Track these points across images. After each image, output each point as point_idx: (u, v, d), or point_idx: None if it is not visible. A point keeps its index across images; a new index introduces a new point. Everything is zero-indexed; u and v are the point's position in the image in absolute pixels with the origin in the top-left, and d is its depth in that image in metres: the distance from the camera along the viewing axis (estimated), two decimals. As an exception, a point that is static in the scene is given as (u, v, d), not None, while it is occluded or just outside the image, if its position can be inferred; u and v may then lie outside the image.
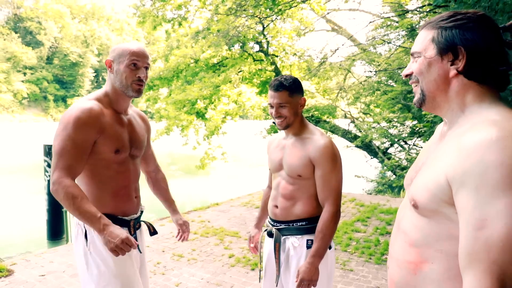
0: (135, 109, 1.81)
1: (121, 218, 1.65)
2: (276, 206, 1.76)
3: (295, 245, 1.71)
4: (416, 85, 0.95)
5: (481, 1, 3.68)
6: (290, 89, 1.66)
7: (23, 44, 68.47)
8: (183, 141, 10.36)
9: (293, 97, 1.67)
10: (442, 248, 0.83)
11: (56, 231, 5.73)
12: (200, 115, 10.50)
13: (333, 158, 1.64)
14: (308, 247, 1.68)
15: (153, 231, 1.90)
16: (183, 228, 2.02)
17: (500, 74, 0.85)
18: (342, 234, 4.62)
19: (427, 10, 6.29)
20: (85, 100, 1.57)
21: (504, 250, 0.67)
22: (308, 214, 1.70)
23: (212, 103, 10.53)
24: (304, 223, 1.70)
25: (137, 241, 1.70)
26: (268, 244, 1.84)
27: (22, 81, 63.44)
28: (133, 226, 1.70)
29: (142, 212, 1.81)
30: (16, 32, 69.74)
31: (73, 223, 1.65)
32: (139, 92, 1.61)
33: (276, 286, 1.76)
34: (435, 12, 5.79)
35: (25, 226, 7.33)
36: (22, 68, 65.17)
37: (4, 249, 5.61)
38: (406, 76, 0.97)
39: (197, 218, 5.52)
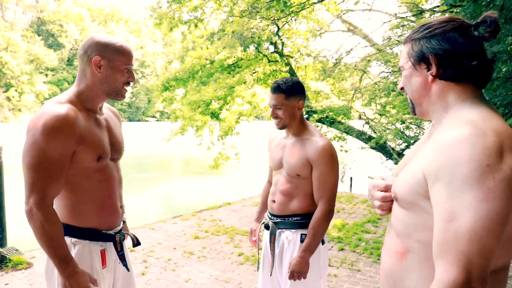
0: (106, 105, 1.61)
1: (105, 233, 1.49)
2: (274, 201, 1.87)
3: (289, 238, 1.80)
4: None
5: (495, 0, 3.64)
6: (287, 92, 1.73)
7: (46, 46, 70.58)
8: (197, 141, 10.49)
9: (289, 100, 1.74)
10: (419, 239, 0.88)
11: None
12: (215, 115, 10.61)
13: (331, 160, 1.72)
14: (302, 241, 1.77)
15: (136, 242, 1.70)
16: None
17: (478, 70, 0.88)
18: (351, 235, 4.62)
19: (444, 9, 6.21)
20: (56, 104, 1.33)
21: (471, 241, 0.71)
22: (303, 210, 1.80)
23: (227, 104, 10.62)
24: (298, 218, 1.80)
25: (124, 258, 1.56)
26: (265, 236, 1.96)
27: (44, 82, 65.37)
28: (119, 241, 1.53)
29: (124, 222, 1.64)
30: (39, 35, 71.97)
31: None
32: (124, 96, 1.48)
33: (270, 275, 1.88)
34: (452, 12, 5.72)
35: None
36: (44, 70, 67.19)
37: (24, 242, 5.82)
38: (401, 89, 1.03)
39: (209, 217, 5.62)
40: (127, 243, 1.69)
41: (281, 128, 1.81)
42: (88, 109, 1.43)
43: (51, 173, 1.28)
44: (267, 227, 1.93)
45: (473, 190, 0.72)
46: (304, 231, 1.78)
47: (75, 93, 1.41)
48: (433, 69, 0.91)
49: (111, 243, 1.52)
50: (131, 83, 1.48)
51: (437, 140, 0.82)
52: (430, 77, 0.93)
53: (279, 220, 1.84)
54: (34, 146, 1.25)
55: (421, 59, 0.93)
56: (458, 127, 0.80)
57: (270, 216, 1.91)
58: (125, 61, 1.42)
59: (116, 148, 1.54)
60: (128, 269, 1.58)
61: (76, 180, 1.38)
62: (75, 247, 1.41)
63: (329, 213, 1.73)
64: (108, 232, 1.50)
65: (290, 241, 1.80)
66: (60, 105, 1.32)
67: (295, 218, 1.80)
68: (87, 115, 1.40)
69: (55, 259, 1.29)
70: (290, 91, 1.74)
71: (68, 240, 1.39)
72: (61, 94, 1.43)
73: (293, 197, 1.80)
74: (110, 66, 1.40)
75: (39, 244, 1.30)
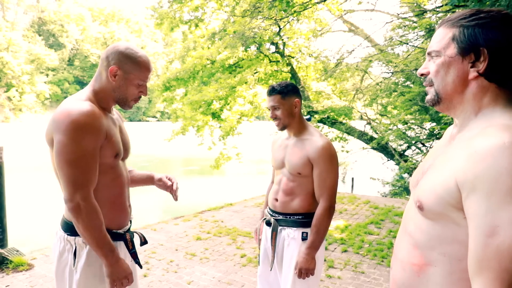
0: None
1: (115, 232, 1.49)
2: (276, 200, 1.93)
3: (291, 236, 1.86)
4: (431, 87, 0.91)
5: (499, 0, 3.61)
6: (281, 92, 1.83)
7: (46, 46, 70.64)
8: (198, 141, 10.46)
9: (285, 99, 1.84)
10: (445, 252, 0.82)
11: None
12: (216, 115, 10.59)
13: (330, 158, 1.78)
14: (303, 239, 1.83)
15: (143, 241, 1.73)
16: (169, 181, 1.88)
17: None
18: (354, 236, 4.59)
19: (446, 10, 6.18)
20: (80, 101, 1.37)
21: None
22: (305, 209, 1.86)
23: (228, 104, 10.60)
24: (300, 217, 1.86)
25: (137, 255, 1.59)
26: (266, 232, 2.01)
27: (45, 82, 65.43)
28: (130, 240, 1.54)
29: (131, 221, 1.66)
30: (40, 35, 72.07)
31: (58, 237, 1.48)
32: (131, 107, 1.53)
33: (270, 270, 1.93)
34: (454, 12, 5.68)
35: (45, 221, 7.56)
36: (45, 70, 67.24)
37: (25, 243, 5.80)
38: (422, 75, 0.93)
39: (211, 218, 5.58)
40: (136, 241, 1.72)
41: (282, 128, 1.88)
42: (103, 108, 1.47)
43: (90, 167, 1.34)
44: (268, 223, 1.98)
45: None
46: (305, 229, 1.84)
47: (92, 92, 1.45)
48: (482, 67, 0.81)
49: (121, 242, 1.52)
50: (142, 96, 1.51)
51: (472, 146, 0.76)
52: (472, 74, 0.83)
53: (281, 217, 1.90)
54: (70, 143, 1.29)
55: (471, 51, 0.82)
56: (494, 133, 0.74)
57: (271, 213, 1.96)
58: (141, 76, 1.45)
59: (126, 148, 1.58)
60: (141, 266, 1.61)
61: None
62: (87, 246, 1.41)
63: (329, 209, 1.78)
64: (118, 231, 1.51)
65: (292, 238, 1.85)
66: (83, 102, 1.36)
67: (297, 217, 1.86)
68: (104, 114, 1.44)
69: (102, 248, 1.35)
70: (285, 90, 1.84)
71: (80, 239, 1.41)
72: (79, 92, 1.47)
73: (295, 196, 1.86)
74: (125, 78, 1.43)
75: (84, 237, 1.35)
